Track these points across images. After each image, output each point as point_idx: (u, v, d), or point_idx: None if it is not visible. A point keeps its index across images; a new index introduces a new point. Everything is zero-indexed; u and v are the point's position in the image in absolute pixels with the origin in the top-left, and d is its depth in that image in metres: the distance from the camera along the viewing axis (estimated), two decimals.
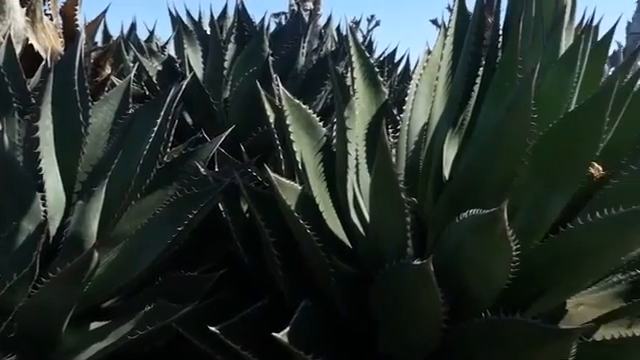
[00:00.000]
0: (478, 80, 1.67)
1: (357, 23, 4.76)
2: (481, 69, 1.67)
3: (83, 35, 1.90)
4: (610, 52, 4.64)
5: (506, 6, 1.72)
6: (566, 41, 1.55)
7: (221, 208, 1.79)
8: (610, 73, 1.76)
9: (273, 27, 3.85)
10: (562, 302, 1.65)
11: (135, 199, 1.78)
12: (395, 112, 2.01)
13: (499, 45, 1.65)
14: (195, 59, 3.01)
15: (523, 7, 1.55)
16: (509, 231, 1.25)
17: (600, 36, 1.66)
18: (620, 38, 4.65)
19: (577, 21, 1.65)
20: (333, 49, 3.51)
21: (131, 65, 3.00)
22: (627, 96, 1.53)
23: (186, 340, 1.60)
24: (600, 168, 1.52)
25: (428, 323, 1.47)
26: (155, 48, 3.60)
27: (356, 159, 1.70)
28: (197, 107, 2.86)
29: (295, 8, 5.22)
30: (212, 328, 1.48)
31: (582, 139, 1.41)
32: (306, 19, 3.61)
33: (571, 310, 1.67)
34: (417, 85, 1.81)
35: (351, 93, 1.72)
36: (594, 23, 1.59)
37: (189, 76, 2.69)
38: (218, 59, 2.88)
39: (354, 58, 1.77)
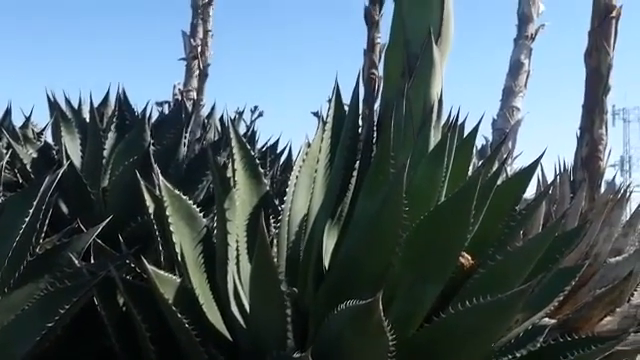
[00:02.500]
0: (354, 173, 1.73)
1: (240, 113, 4.84)
2: (357, 162, 1.74)
3: None
4: (479, 146, 4.95)
5: (379, 103, 1.82)
6: (435, 138, 1.65)
7: (96, 302, 1.72)
8: (479, 166, 1.88)
9: (156, 116, 3.84)
10: None
11: (2, 293, 1.69)
12: (277, 202, 2.04)
13: (373, 140, 1.74)
14: (73, 147, 2.94)
15: (394, 105, 1.65)
16: (385, 321, 1.28)
17: (466, 132, 1.79)
18: (487, 133, 4.99)
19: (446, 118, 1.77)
20: (216, 139, 3.54)
21: (4, 152, 2.89)
22: (491, 189, 1.63)
23: None
24: (469, 258, 1.61)
25: None
26: (31, 134, 3.49)
27: (237, 250, 1.70)
28: (74, 196, 2.78)
29: (179, 97, 5.25)
30: None
31: (451, 231, 1.49)
32: (189, 108, 3.64)
33: None
34: (297, 177, 1.86)
35: (232, 184, 1.73)
36: (460, 121, 1.72)
37: (66, 164, 2.62)
38: (97, 147, 2.83)
39: (235, 150, 1.80)
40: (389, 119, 1.62)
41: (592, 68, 3.46)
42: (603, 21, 3.42)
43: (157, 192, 1.76)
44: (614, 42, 3.46)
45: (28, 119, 3.75)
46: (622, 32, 3.49)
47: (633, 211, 3.34)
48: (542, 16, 5.05)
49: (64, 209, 2.82)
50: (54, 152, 3.12)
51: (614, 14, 3.43)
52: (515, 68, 4.87)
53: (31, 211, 1.66)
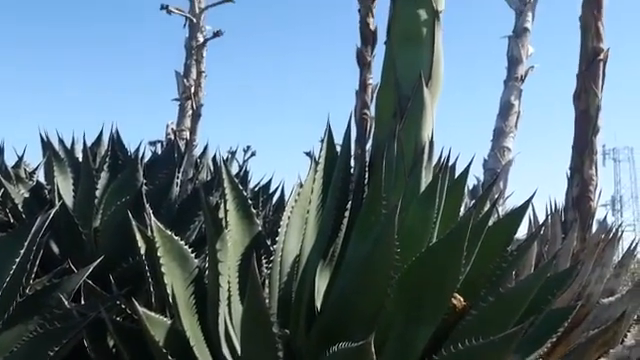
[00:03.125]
0: (346, 214, 1.74)
1: (233, 153, 4.87)
2: (349, 203, 1.75)
3: None
4: (471, 186, 4.98)
5: (371, 143, 1.84)
6: (426, 179, 1.66)
7: (86, 344, 1.70)
8: (470, 207, 1.89)
9: (149, 155, 3.84)
10: None
11: None
12: (269, 243, 2.04)
13: (365, 181, 1.75)
14: (65, 187, 2.94)
15: (386, 146, 1.67)
16: None
17: (458, 173, 1.80)
18: (479, 173, 5.03)
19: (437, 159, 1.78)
20: (208, 179, 3.55)
21: None
22: (482, 230, 1.64)
23: None
24: (461, 299, 1.60)
25: None
26: (23, 174, 3.49)
27: (228, 291, 1.69)
28: (65, 236, 2.76)
29: (171, 136, 5.28)
30: None
31: (443, 272, 1.49)
32: (182, 148, 3.65)
33: None
34: (289, 217, 1.86)
35: (224, 225, 1.73)
36: (451, 162, 1.73)
37: (58, 204, 2.62)
38: (89, 187, 2.83)
39: (227, 190, 1.80)
40: (381, 160, 1.63)
41: (581, 110, 3.50)
42: (591, 64, 3.47)
43: (149, 232, 1.76)
44: (602, 84, 3.51)
45: (21, 158, 3.75)
46: (611, 72, 3.55)
47: (624, 251, 3.35)
48: (531, 58, 5.13)
49: (55, 249, 2.80)
50: (46, 192, 3.11)
51: (602, 57, 3.48)
52: (505, 109, 4.93)
53: (22, 252, 1.65)
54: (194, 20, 5.79)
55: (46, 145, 3.24)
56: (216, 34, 5.77)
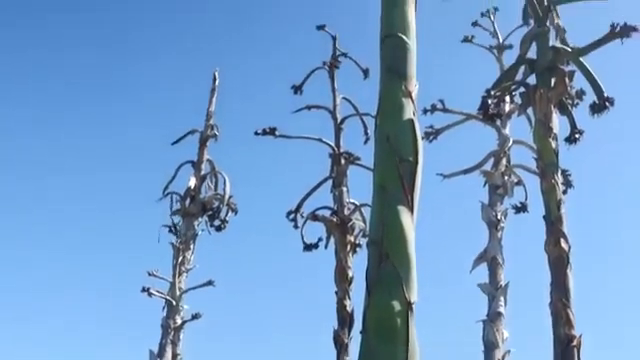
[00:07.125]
0: None
1: None
2: None
3: None
4: None
5: None
6: None
7: None
8: None
9: None
10: None
11: None
12: None
13: None
14: None
15: None
16: None
17: None
18: None
19: None
20: None
21: None
22: None
23: None
24: None
25: None
26: None
27: None
28: None
29: None
30: None
31: None
32: None
33: None
34: None
35: None
36: None
37: None
38: None
39: None
40: None
41: None
42: (565, 350, 3.51)
43: None
44: None
45: None
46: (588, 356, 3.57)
47: None
48: (507, 342, 5.17)
49: None
50: None
51: (575, 343, 3.53)
52: None
53: None
54: (173, 302, 5.86)
55: None
56: (194, 316, 5.82)
